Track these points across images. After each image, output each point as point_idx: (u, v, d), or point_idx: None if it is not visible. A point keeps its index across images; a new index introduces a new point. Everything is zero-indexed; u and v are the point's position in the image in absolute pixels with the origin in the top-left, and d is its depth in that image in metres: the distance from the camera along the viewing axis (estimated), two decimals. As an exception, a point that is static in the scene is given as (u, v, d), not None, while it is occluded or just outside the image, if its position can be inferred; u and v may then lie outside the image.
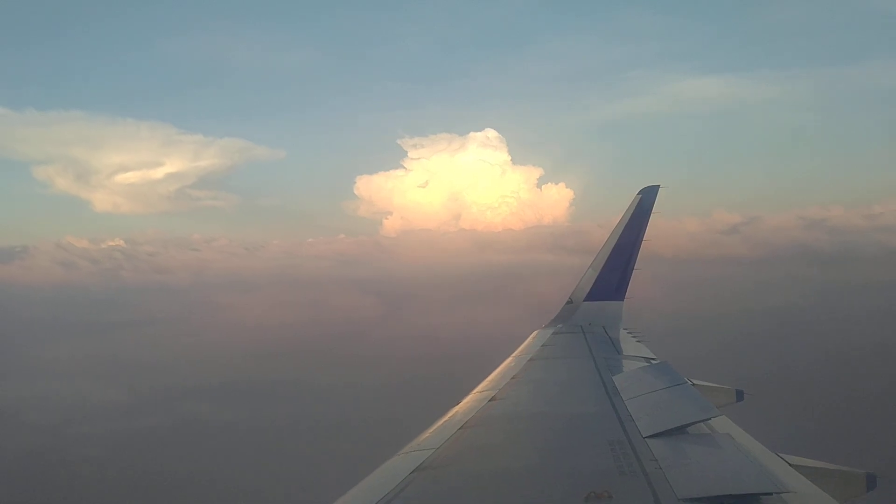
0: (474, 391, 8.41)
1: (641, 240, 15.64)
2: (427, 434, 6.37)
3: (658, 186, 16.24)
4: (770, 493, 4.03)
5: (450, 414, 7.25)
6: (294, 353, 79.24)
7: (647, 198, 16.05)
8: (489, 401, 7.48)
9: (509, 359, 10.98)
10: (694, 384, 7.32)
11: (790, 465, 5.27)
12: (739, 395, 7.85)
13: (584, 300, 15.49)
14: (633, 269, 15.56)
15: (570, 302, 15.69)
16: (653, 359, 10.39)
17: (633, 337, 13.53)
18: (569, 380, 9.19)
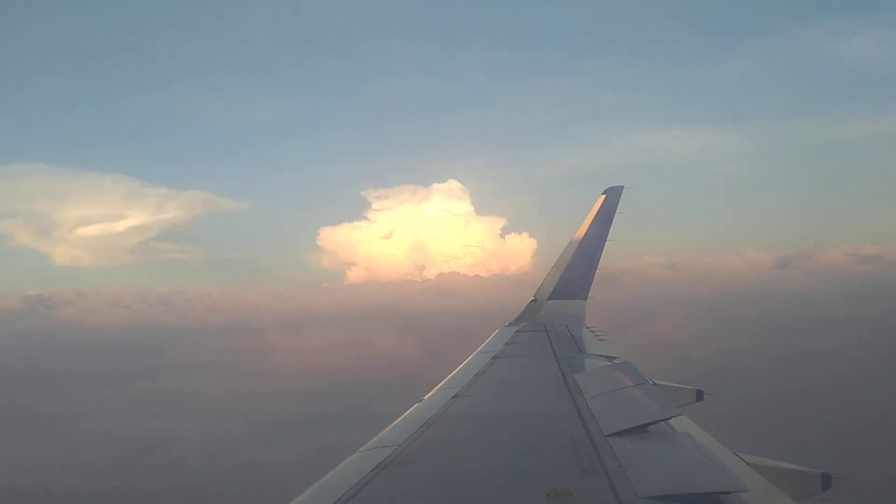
0: (437, 388, 8.41)
1: (605, 239, 15.78)
2: (388, 431, 6.34)
3: (622, 187, 16.40)
4: (728, 493, 4.07)
5: (411, 410, 7.24)
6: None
7: (611, 198, 16.20)
8: (452, 398, 7.48)
9: (473, 356, 11.00)
10: (655, 384, 7.39)
11: (748, 464, 5.34)
12: (699, 395, 7.94)
13: (548, 299, 15.58)
14: (596, 268, 15.69)
15: (533, 300, 15.77)
16: (615, 358, 10.47)
17: (596, 336, 13.64)
18: (532, 378, 9.22)
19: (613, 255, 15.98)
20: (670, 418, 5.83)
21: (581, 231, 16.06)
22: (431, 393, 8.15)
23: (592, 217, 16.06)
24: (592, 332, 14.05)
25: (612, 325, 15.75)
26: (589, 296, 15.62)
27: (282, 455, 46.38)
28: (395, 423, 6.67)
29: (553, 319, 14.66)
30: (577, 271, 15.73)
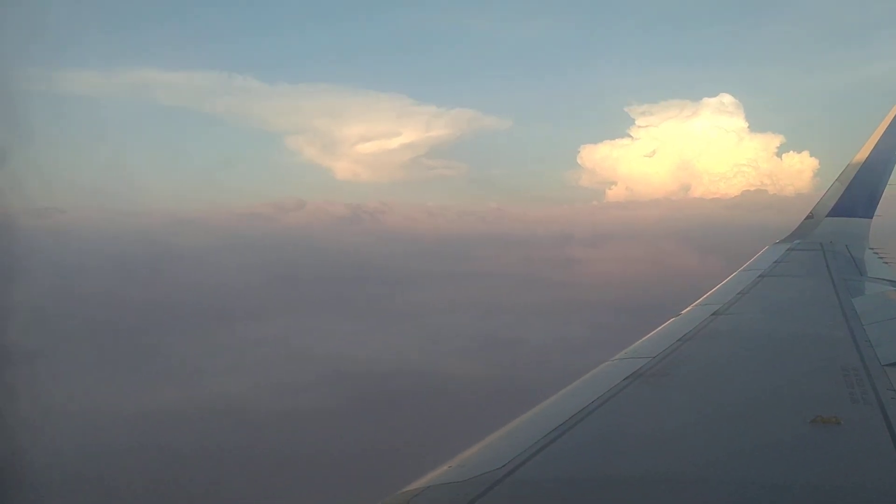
0: (696, 303, 8.19)
1: None
2: (643, 342, 6.31)
3: None
4: None
5: (668, 324, 7.12)
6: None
7: None
8: (712, 314, 7.26)
9: (737, 273, 10.52)
10: None
11: None
12: None
13: (827, 215, 14.38)
14: (886, 184, 14.17)
15: (810, 217, 14.64)
16: None
17: (881, 258, 12.46)
18: (802, 299, 8.67)
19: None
20: None
21: (870, 144, 14.48)
22: (689, 308, 7.95)
23: (885, 128, 14.39)
24: (876, 253, 12.83)
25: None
26: (876, 214, 14.19)
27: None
28: (650, 334, 6.61)
29: (831, 238, 13.54)
30: (862, 187, 14.30)
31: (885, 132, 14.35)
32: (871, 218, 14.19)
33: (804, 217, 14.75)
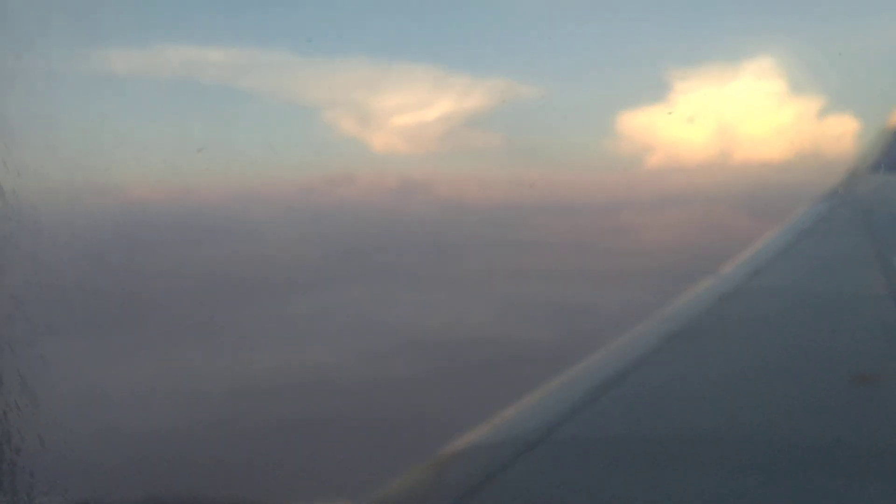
0: (734, 263, 8.11)
1: None
2: (681, 302, 6.29)
3: None
4: None
5: (705, 283, 7.08)
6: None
7: None
8: (750, 273, 7.20)
9: (776, 231, 10.38)
10: None
11: None
12: None
13: (871, 171, 14.07)
14: None
15: (851, 173, 14.33)
16: None
17: None
18: (844, 257, 8.54)
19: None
20: None
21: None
22: (728, 268, 7.88)
23: None
24: None
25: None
26: None
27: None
28: (688, 295, 6.58)
29: (875, 195, 13.26)
30: None
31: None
32: None
33: (846, 175, 14.45)
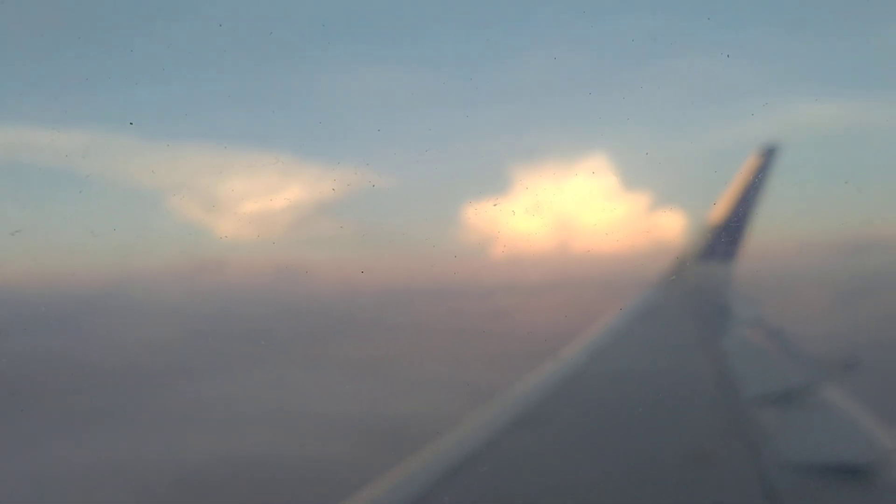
0: (574, 347, 8.34)
1: (760, 198, 15.06)
2: (520, 388, 6.36)
3: (775, 147, 15.54)
4: (878, 465, 3.86)
5: (549, 367, 7.21)
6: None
7: (764, 158, 15.40)
8: (591, 358, 7.42)
9: (614, 316, 10.84)
10: (805, 351, 7.06)
11: None
12: (852, 363, 7.49)
13: (694, 261, 15.10)
14: (747, 230, 15.04)
15: (679, 262, 15.32)
16: (763, 322, 10.05)
17: (745, 300, 13.12)
18: (673, 340, 9.01)
19: (768, 221, 15.21)
20: (818, 385, 5.56)
21: (734, 188, 15.38)
22: (568, 352, 8.10)
23: (747, 174, 15.33)
24: (741, 296, 13.51)
25: (762, 290, 15.04)
26: (738, 259, 15.00)
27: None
28: (534, 378, 6.67)
29: (699, 282, 14.19)
30: (728, 231, 15.12)
31: (747, 177, 15.27)
32: (735, 262, 14.96)
33: (674, 264, 15.39)
